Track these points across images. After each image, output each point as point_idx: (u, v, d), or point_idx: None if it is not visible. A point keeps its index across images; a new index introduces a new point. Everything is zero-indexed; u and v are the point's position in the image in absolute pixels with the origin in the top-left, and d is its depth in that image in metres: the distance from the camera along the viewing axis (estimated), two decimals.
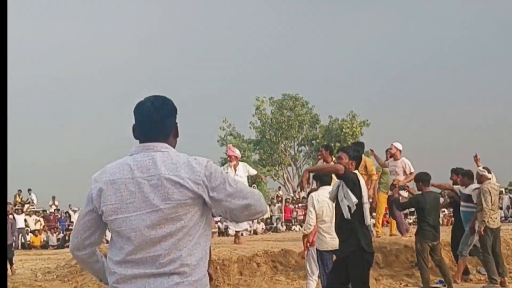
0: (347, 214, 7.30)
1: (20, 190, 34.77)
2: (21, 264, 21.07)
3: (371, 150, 14.90)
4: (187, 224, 3.14)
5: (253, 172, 14.52)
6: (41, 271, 17.32)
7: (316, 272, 9.93)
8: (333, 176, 8.29)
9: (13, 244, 18.65)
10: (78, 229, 3.34)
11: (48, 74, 68.87)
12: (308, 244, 9.66)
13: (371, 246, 7.50)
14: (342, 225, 7.46)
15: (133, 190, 3.14)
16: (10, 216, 19.79)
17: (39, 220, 31.11)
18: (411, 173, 13.53)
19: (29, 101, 66.33)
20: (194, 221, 3.17)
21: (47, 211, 33.07)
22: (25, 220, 30.16)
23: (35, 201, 34.62)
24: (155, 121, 3.27)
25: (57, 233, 30.55)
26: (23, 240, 28.65)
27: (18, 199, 34.14)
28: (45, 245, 28.85)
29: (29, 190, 35.01)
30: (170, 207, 3.10)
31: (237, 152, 14.37)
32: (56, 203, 35.17)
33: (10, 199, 32.82)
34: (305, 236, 9.67)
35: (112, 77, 73.69)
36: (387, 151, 14.39)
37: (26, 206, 33.37)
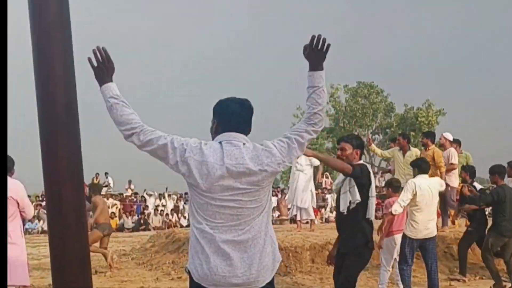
0: (343, 209, 6.84)
1: (97, 173, 35.58)
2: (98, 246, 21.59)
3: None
4: (263, 203, 3.94)
5: (316, 163, 14.32)
6: (117, 253, 17.69)
7: (391, 263, 9.85)
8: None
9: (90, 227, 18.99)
10: (155, 135, 3.87)
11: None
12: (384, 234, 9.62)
13: (373, 242, 7.15)
14: (344, 219, 6.95)
15: (221, 174, 3.80)
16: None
17: (115, 204, 31.76)
18: (450, 164, 13.41)
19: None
20: (266, 199, 3.96)
21: (124, 195, 33.71)
22: None
23: (111, 185, 35.38)
24: (242, 120, 4.04)
25: (132, 216, 31.14)
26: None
27: (95, 182, 34.94)
28: (120, 228, 29.46)
29: (106, 173, 35.80)
30: (254, 191, 3.87)
31: None
32: (132, 187, 35.88)
33: (87, 182, 33.69)
34: (386, 221, 9.63)
35: (196, 69, 74.47)
36: (456, 140, 14.30)
37: (104, 189, 34.12)
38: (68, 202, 1.60)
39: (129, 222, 30.37)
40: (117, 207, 31.20)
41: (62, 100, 1.84)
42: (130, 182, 36.05)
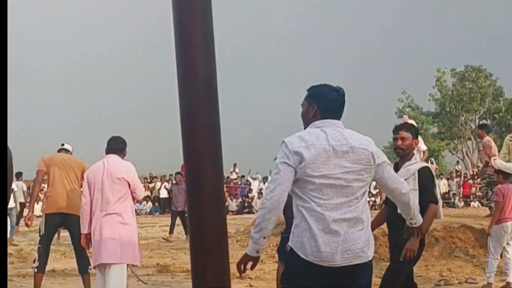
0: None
1: None
2: None
3: None
4: (366, 183, 4.18)
5: (423, 147, 14.03)
6: None
7: (499, 251, 9.64)
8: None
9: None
10: (283, 178, 4.06)
11: None
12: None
13: (424, 240, 6.58)
14: (400, 218, 5.82)
15: (329, 154, 4.05)
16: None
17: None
18: None
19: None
20: (368, 181, 4.20)
21: (229, 178, 34.22)
22: None
23: None
24: (340, 106, 4.30)
25: (236, 199, 31.59)
26: None
27: None
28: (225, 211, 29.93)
29: None
30: (359, 169, 4.11)
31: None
32: (237, 170, 36.33)
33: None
34: (496, 208, 9.51)
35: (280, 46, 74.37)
36: None
37: None
38: (207, 176, 1.63)
39: (233, 205, 30.86)
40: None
41: (203, 73, 1.86)
42: (235, 165, 36.47)
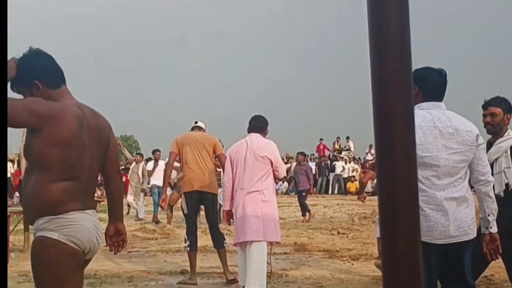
0: (499, 191, 5.74)
1: (338, 137, 36.21)
2: (339, 208, 22.18)
3: None
4: (468, 163, 4.29)
5: None
6: (358, 216, 18.01)
7: None
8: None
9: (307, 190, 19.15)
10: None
11: None
12: None
13: None
14: (498, 200, 5.41)
15: (436, 136, 4.18)
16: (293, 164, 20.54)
17: (356, 169, 32.18)
18: None
19: None
20: (470, 161, 4.29)
21: (365, 159, 34.03)
22: (342, 167, 31.48)
23: (352, 149, 35.79)
24: (442, 88, 4.41)
25: (372, 180, 31.32)
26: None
27: (336, 146, 35.63)
28: (359, 192, 29.78)
29: (347, 137, 36.28)
30: (464, 151, 4.23)
31: None
32: (372, 151, 35.99)
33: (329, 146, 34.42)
34: None
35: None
36: None
37: (344, 153, 34.66)
38: (398, 134, 1.63)
39: (369, 186, 30.58)
40: (357, 172, 31.59)
41: (394, 30, 1.83)
42: (370, 146, 36.16)
